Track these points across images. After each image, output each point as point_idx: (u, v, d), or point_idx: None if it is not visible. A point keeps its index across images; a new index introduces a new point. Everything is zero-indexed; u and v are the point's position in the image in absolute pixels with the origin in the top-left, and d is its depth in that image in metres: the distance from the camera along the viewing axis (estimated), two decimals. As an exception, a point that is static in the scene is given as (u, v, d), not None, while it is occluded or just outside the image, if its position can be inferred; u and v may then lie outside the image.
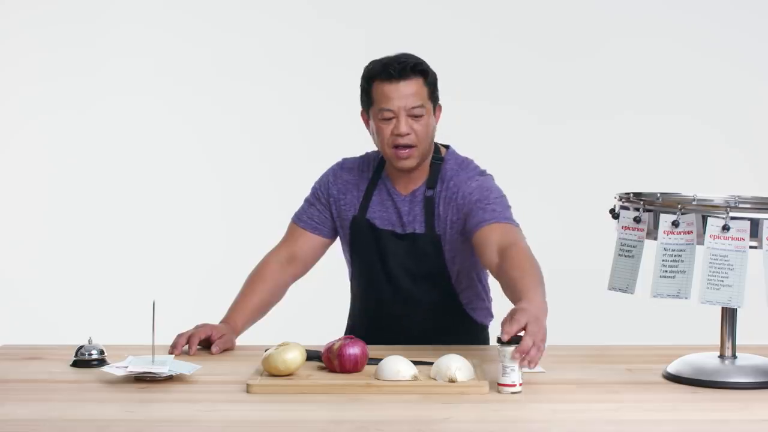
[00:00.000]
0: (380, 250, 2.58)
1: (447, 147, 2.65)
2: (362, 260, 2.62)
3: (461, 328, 2.65)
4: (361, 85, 2.55)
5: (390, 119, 2.47)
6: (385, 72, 2.47)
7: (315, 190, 2.69)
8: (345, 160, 2.71)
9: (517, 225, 2.49)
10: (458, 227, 2.53)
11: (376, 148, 2.66)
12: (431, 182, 2.56)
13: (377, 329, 2.60)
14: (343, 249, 2.71)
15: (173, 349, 2.40)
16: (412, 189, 2.59)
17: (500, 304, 2.63)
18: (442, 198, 2.54)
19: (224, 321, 2.57)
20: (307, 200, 2.71)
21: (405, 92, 2.46)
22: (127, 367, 2.12)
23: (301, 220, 2.69)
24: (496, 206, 2.49)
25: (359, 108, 2.65)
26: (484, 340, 2.71)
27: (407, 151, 2.48)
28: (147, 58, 4.44)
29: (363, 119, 2.60)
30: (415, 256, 2.56)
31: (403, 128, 2.46)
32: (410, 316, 2.59)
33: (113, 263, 4.40)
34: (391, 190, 2.60)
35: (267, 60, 4.45)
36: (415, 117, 2.47)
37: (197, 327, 2.49)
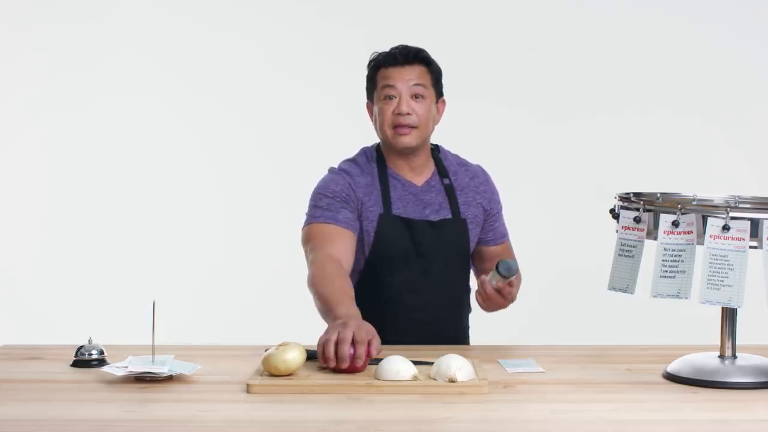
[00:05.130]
0: (415, 241, 2.58)
1: (437, 146, 2.75)
2: (392, 254, 2.59)
3: (466, 310, 2.73)
4: (366, 75, 2.64)
5: (392, 98, 2.56)
6: (390, 57, 2.59)
7: (337, 193, 2.56)
8: (340, 167, 2.66)
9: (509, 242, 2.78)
10: (479, 212, 2.67)
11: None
12: (443, 172, 2.66)
13: (400, 320, 2.59)
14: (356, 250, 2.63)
15: (342, 363, 2.12)
16: (425, 179, 2.65)
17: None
18: (460, 186, 2.66)
19: (344, 316, 2.26)
20: (329, 204, 2.55)
21: (407, 75, 2.57)
22: (127, 367, 2.12)
23: (337, 220, 2.53)
24: (503, 220, 2.75)
25: (359, 108, 2.68)
26: (466, 327, 2.75)
27: (407, 129, 2.56)
28: (147, 58, 4.45)
29: (368, 110, 2.66)
30: (447, 242, 2.61)
31: (404, 107, 2.55)
32: (431, 305, 2.60)
33: (113, 263, 4.41)
34: (406, 184, 2.63)
35: (267, 60, 4.45)
36: (417, 98, 2.56)
37: (335, 332, 2.16)
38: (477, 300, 2.43)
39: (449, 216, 2.62)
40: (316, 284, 2.41)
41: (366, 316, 2.55)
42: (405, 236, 2.59)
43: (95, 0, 4.43)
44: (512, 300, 2.44)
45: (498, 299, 2.40)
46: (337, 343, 2.13)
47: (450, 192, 2.64)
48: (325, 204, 2.56)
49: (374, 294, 2.62)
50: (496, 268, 2.35)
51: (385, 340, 2.51)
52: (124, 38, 4.44)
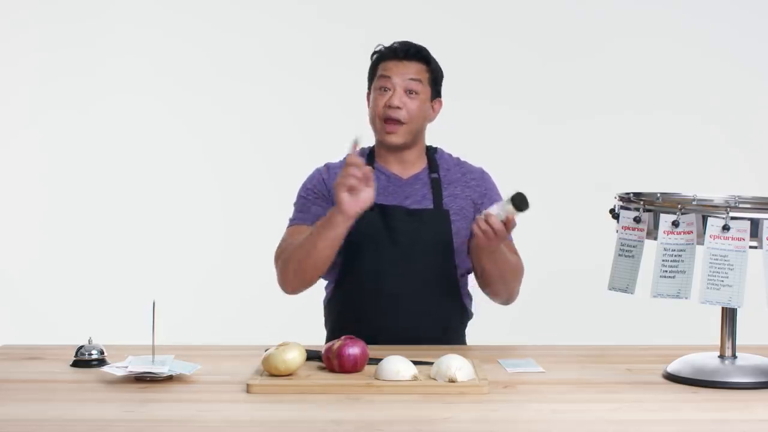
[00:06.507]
0: (390, 228, 2.59)
1: (436, 148, 2.74)
2: (366, 241, 2.60)
3: (453, 306, 2.69)
4: (369, 65, 2.67)
5: (386, 90, 2.58)
6: (392, 52, 2.62)
7: (309, 190, 2.67)
8: (328, 164, 2.72)
9: (512, 240, 2.68)
10: (468, 205, 2.65)
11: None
12: (434, 168, 2.66)
13: (373, 315, 2.59)
14: None
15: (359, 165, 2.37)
16: (412, 173, 2.66)
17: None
18: (449, 181, 2.66)
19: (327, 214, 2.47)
20: (302, 204, 2.67)
21: (404, 69, 2.59)
22: (127, 367, 2.13)
23: (305, 220, 2.64)
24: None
25: (359, 108, 2.70)
26: (462, 331, 2.74)
27: (394, 125, 2.58)
28: (147, 58, 4.45)
29: (367, 99, 2.69)
30: (425, 232, 2.59)
31: (396, 101, 2.57)
32: (413, 294, 2.59)
33: (113, 263, 4.40)
34: (391, 176, 2.65)
35: (267, 60, 4.45)
36: (410, 94, 2.58)
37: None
38: (477, 236, 2.39)
39: (430, 206, 2.62)
40: (287, 251, 2.57)
41: (350, 303, 2.60)
42: (377, 222, 2.58)
43: (95, 0, 4.43)
44: (506, 236, 2.41)
45: (502, 232, 2.37)
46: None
47: (436, 185, 2.64)
48: (300, 205, 2.68)
49: (355, 282, 2.62)
50: (512, 199, 2.31)
51: (373, 330, 2.50)
52: (124, 38, 4.44)
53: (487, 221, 2.36)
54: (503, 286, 2.61)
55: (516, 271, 2.62)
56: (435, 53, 2.66)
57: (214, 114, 4.46)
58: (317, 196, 2.66)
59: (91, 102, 4.44)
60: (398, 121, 2.57)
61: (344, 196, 2.40)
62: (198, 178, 4.48)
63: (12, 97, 4.44)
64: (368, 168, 2.41)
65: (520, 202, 2.32)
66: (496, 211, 2.36)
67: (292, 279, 2.58)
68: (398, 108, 2.56)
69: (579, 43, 4.44)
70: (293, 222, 2.68)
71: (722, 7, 4.44)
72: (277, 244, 2.66)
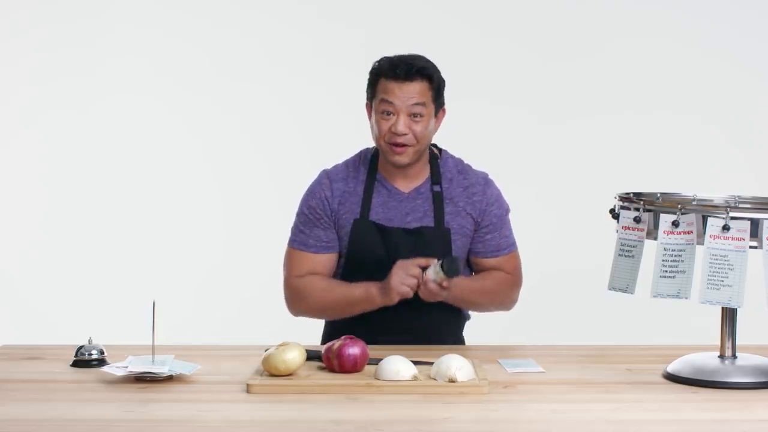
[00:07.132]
0: (389, 248, 2.56)
1: (440, 150, 2.70)
2: (366, 260, 2.58)
3: (452, 310, 2.66)
4: (368, 79, 2.60)
5: (389, 114, 2.52)
6: (392, 71, 2.52)
7: (313, 209, 2.61)
8: (328, 171, 2.66)
9: (516, 247, 2.69)
10: (468, 223, 2.60)
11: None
12: (436, 179, 2.61)
13: (375, 327, 2.57)
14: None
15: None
16: (414, 186, 2.61)
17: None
18: (450, 195, 2.60)
19: (376, 284, 2.52)
20: (304, 222, 2.63)
21: (408, 93, 2.51)
22: (127, 367, 2.13)
23: (307, 245, 2.61)
24: (509, 231, 2.68)
25: (359, 108, 2.68)
26: (460, 333, 2.74)
27: (402, 148, 2.53)
28: (147, 58, 4.45)
29: (367, 110, 2.63)
30: (425, 251, 2.53)
31: (401, 127, 2.51)
32: (413, 310, 2.57)
33: (113, 263, 4.40)
34: (392, 190, 2.60)
35: (267, 60, 4.45)
36: (415, 117, 2.51)
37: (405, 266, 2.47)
38: (421, 295, 2.47)
39: (431, 224, 2.58)
40: (309, 292, 2.57)
41: (353, 324, 2.56)
42: (378, 243, 2.56)
43: (95, 0, 4.43)
44: (447, 292, 2.47)
45: (440, 293, 2.45)
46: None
47: (438, 200, 2.59)
48: (301, 222, 2.64)
49: None
50: (441, 265, 2.41)
51: (372, 332, 2.50)
52: (124, 38, 4.44)
53: (424, 285, 2.45)
54: (482, 309, 2.67)
55: (492, 293, 2.62)
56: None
57: (214, 114, 4.46)
58: (319, 216, 2.60)
59: (91, 102, 4.44)
60: (404, 144, 2.53)
61: (397, 298, 2.46)
62: (198, 179, 4.48)
63: (12, 97, 4.44)
64: (437, 288, 2.45)
65: (448, 269, 2.41)
66: (432, 275, 2.44)
67: (306, 313, 2.65)
68: (404, 134, 2.51)
69: (579, 43, 4.44)
70: (294, 244, 2.64)
71: (722, 7, 4.44)
72: (282, 263, 2.66)
